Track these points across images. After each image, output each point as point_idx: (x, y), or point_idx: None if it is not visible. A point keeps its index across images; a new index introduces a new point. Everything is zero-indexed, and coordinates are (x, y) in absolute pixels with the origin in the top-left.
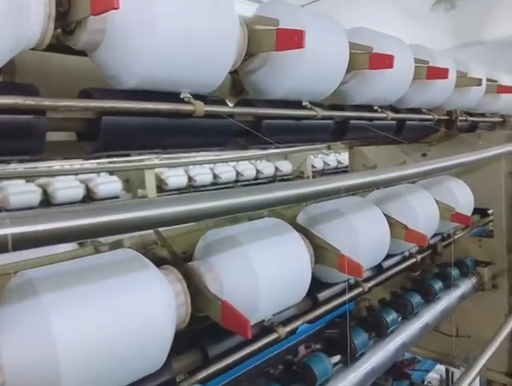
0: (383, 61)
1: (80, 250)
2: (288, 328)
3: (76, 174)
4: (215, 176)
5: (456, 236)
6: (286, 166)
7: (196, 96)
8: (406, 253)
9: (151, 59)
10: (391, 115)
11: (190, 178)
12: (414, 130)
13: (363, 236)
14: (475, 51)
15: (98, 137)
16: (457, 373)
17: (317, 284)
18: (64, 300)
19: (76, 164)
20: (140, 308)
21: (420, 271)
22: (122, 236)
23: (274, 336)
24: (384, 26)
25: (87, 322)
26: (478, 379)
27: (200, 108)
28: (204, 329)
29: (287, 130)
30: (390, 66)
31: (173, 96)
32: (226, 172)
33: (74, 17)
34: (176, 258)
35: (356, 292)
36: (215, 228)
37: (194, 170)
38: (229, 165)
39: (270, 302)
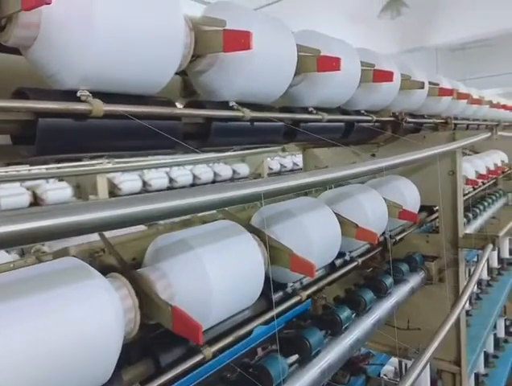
0: (330, 63)
1: (20, 261)
2: (243, 331)
3: (22, 181)
4: (171, 180)
5: (405, 233)
6: (243, 169)
7: (142, 97)
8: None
9: (91, 57)
10: (326, 117)
11: (145, 183)
12: (362, 132)
13: (315, 235)
14: (419, 57)
15: (35, 140)
16: (410, 364)
17: (272, 285)
18: None
19: (23, 170)
20: (83, 318)
21: (372, 268)
22: (68, 243)
23: (228, 340)
24: (331, 33)
25: (22, 338)
26: (429, 368)
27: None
28: (156, 337)
29: (237, 132)
30: (338, 68)
31: (117, 98)
32: (183, 176)
33: (3, 12)
34: (124, 265)
35: (309, 291)
36: (166, 233)
37: (149, 174)
38: (186, 168)
39: (224, 306)
